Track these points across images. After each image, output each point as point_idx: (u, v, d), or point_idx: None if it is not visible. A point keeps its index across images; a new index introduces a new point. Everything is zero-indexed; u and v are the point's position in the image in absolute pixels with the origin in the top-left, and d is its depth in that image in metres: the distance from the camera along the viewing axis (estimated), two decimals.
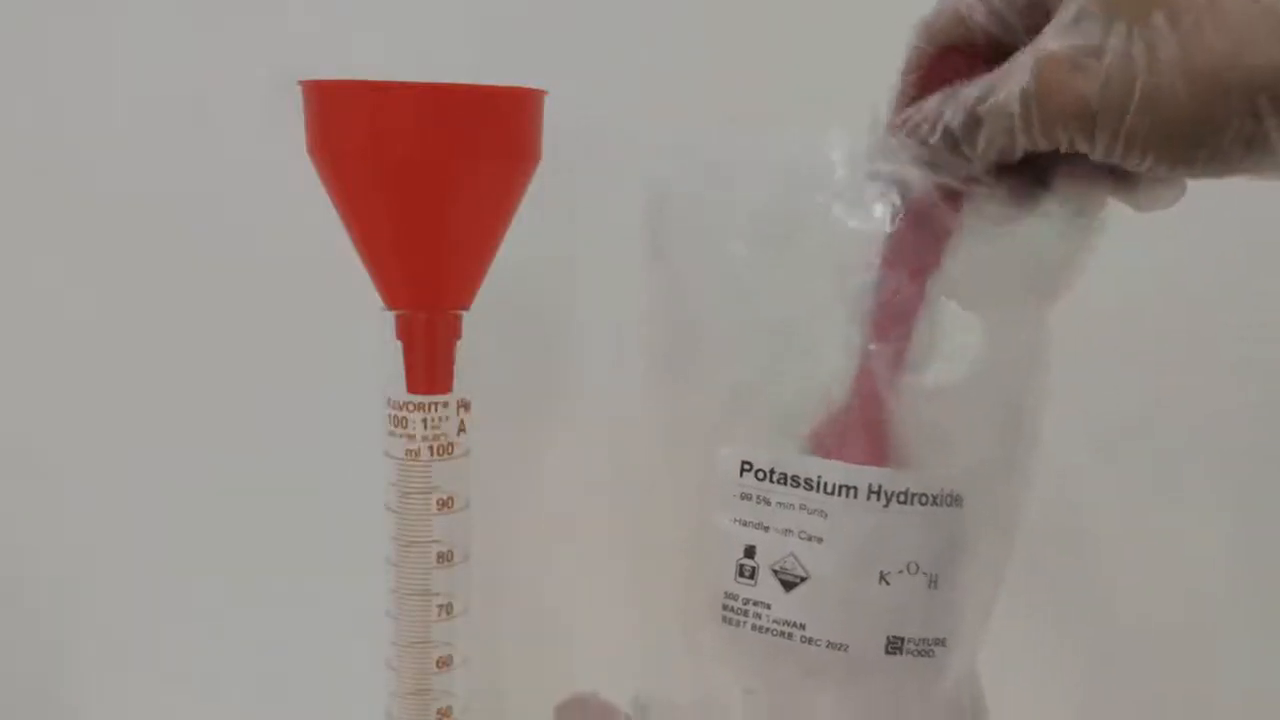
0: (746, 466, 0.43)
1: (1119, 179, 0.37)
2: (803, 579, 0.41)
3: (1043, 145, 0.35)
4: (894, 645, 0.41)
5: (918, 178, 0.39)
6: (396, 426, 0.48)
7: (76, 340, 0.62)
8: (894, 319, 0.40)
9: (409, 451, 0.48)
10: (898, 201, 0.40)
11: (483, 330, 0.48)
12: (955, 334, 0.41)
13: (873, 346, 0.40)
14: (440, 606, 0.49)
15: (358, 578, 0.51)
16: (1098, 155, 0.34)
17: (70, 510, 0.63)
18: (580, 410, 0.61)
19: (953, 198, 0.39)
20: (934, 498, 0.41)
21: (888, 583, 0.41)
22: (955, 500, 0.41)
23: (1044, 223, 0.39)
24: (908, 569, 0.41)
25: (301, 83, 0.45)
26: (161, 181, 0.60)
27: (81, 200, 0.61)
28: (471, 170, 0.45)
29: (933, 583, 0.41)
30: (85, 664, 0.65)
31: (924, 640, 0.41)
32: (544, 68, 0.48)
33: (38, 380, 0.63)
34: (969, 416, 0.41)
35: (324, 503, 0.62)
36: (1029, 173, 0.38)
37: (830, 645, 0.41)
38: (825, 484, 0.41)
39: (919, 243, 0.40)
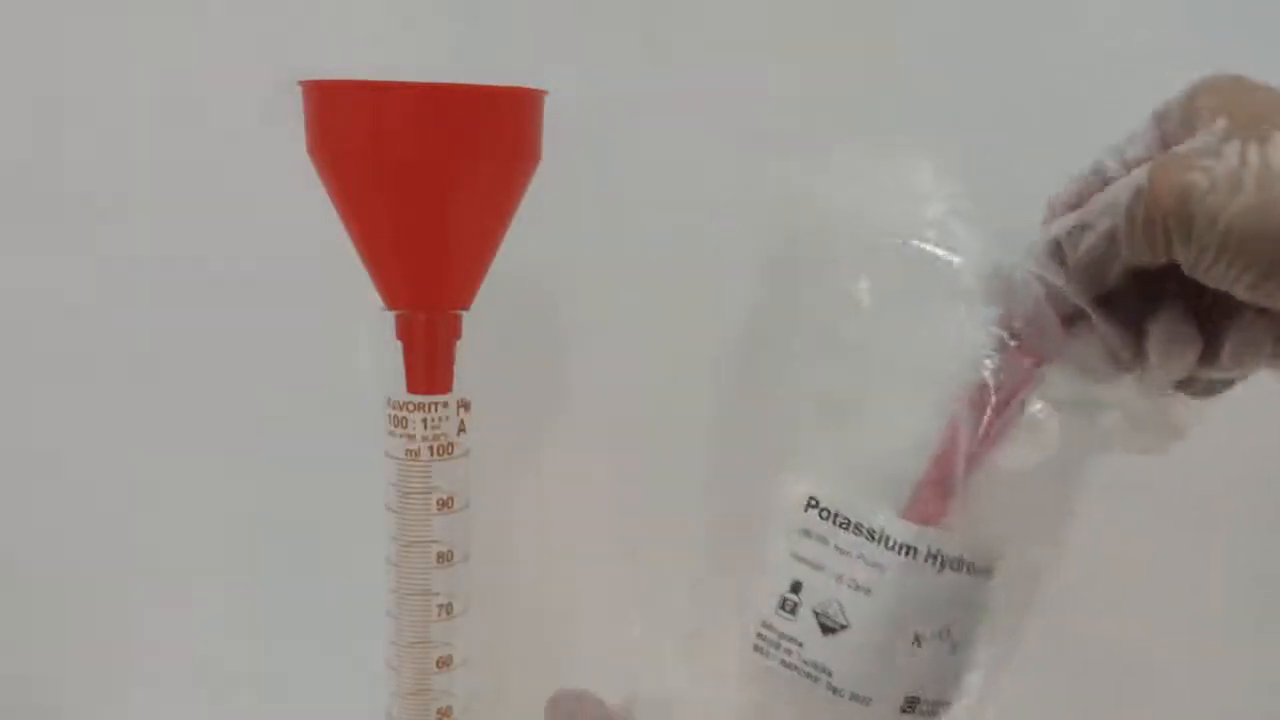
0: (812, 503, 0.42)
1: (1207, 343, 0.37)
2: (843, 627, 0.41)
3: (1140, 250, 0.35)
4: (909, 704, 0.42)
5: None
6: (396, 426, 0.48)
7: (74, 340, 0.62)
8: (998, 395, 0.41)
9: (409, 451, 0.48)
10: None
11: (483, 330, 0.48)
12: (1033, 419, 0.41)
13: (965, 415, 0.41)
14: (440, 606, 0.49)
15: (358, 578, 0.51)
16: (1189, 261, 0.34)
17: (69, 510, 0.63)
18: (580, 410, 0.61)
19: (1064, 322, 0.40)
20: (976, 568, 0.42)
21: (919, 644, 0.41)
22: (988, 573, 0.42)
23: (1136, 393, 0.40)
24: (940, 634, 0.41)
25: (301, 83, 0.45)
26: (161, 181, 0.60)
27: (81, 200, 0.61)
28: (471, 170, 0.45)
29: (954, 649, 0.42)
30: (84, 664, 0.65)
31: (934, 703, 0.42)
32: (544, 68, 0.49)
33: (36, 380, 0.63)
34: (1028, 499, 0.42)
35: (324, 503, 0.62)
36: (1122, 330, 0.39)
37: (854, 697, 0.41)
38: (889, 539, 0.41)
39: (1043, 333, 0.40)
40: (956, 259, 0.41)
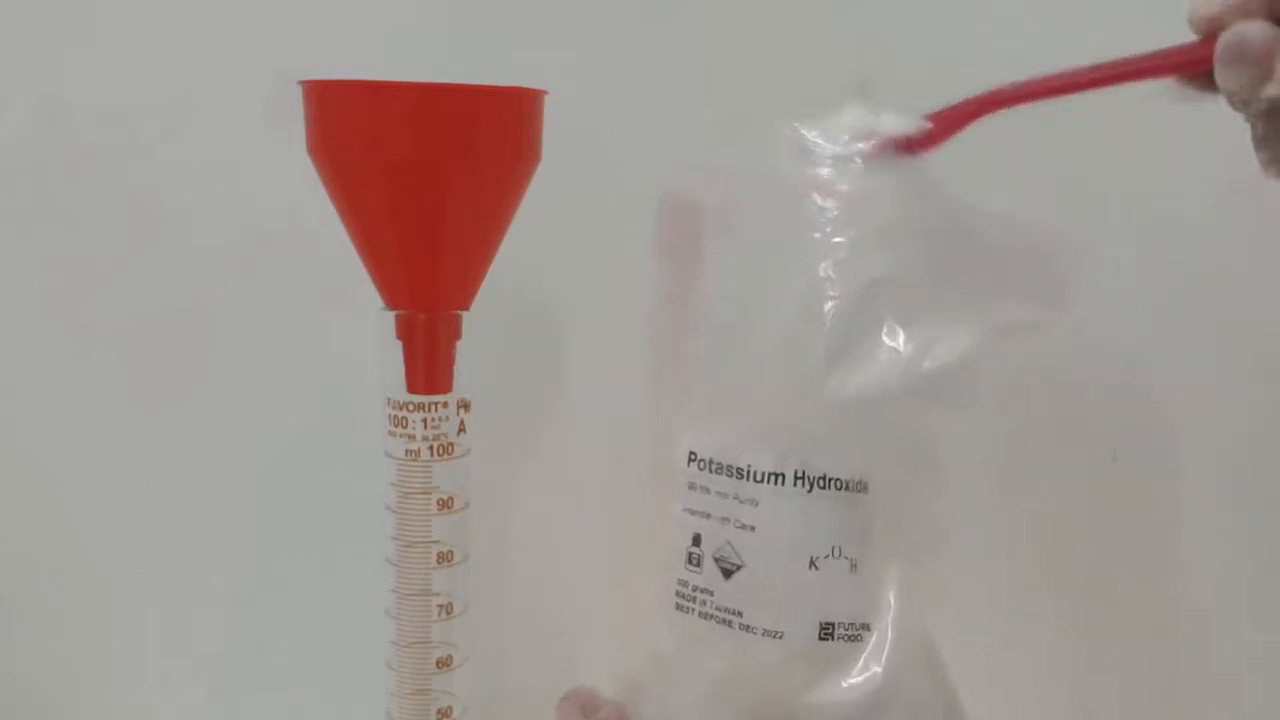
0: (692, 456, 0.45)
1: None
2: (739, 567, 0.44)
3: None
4: (826, 631, 0.43)
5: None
6: (396, 426, 0.48)
7: (74, 340, 0.62)
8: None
9: (409, 451, 0.48)
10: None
11: (483, 330, 0.48)
12: (890, 346, 0.42)
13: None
14: (440, 606, 0.49)
15: (358, 578, 0.51)
16: None
17: (68, 511, 0.63)
18: (580, 410, 0.61)
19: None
20: (848, 484, 0.43)
21: (816, 568, 0.43)
22: (863, 487, 0.43)
23: None
24: (832, 553, 0.43)
25: (301, 83, 0.45)
26: (161, 181, 0.60)
27: (81, 200, 0.61)
28: (471, 170, 0.45)
29: (854, 567, 0.43)
30: (84, 664, 0.65)
31: (851, 625, 0.43)
32: (545, 68, 0.49)
33: (35, 381, 0.63)
34: (887, 423, 0.43)
35: (324, 503, 0.62)
36: None
37: (766, 633, 0.43)
38: (755, 472, 0.43)
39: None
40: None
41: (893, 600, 0.44)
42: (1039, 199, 0.50)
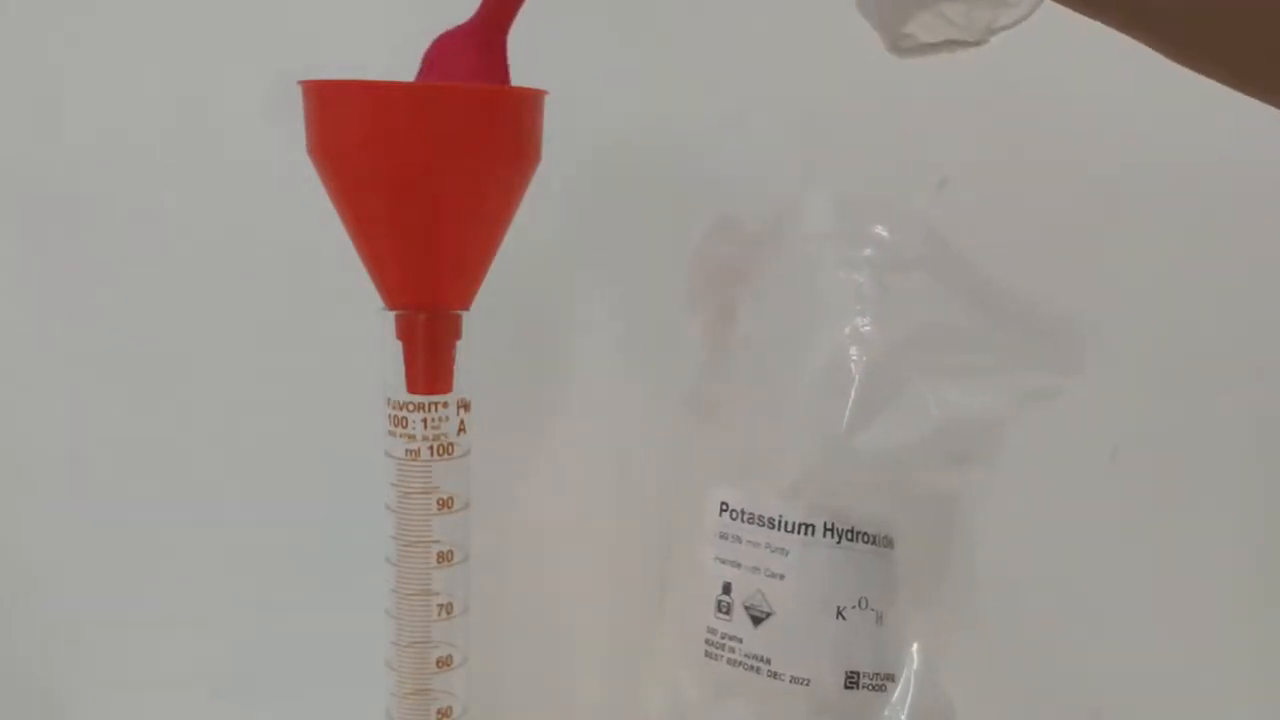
0: (724, 506, 0.46)
1: None
2: (768, 615, 0.45)
3: None
4: (851, 680, 0.44)
5: None
6: (396, 426, 0.48)
7: (74, 341, 0.62)
8: None
9: (409, 451, 0.48)
10: None
11: (483, 330, 0.48)
12: (916, 394, 0.44)
13: None
14: (440, 606, 0.49)
15: (358, 578, 0.51)
16: None
17: (66, 511, 0.63)
18: (580, 410, 0.61)
19: None
20: (876, 538, 0.44)
21: (844, 618, 0.44)
22: (890, 542, 0.44)
23: None
24: (859, 604, 0.44)
25: (301, 83, 0.45)
26: (161, 182, 0.60)
27: (80, 201, 0.61)
28: (471, 170, 0.45)
29: (880, 619, 0.44)
30: (82, 664, 0.65)
31: (876, 675, 0.45)
32: (545, 68, 0.49)
33: (35, 381, 0.63)
34: (913, 473, 0.45)
35: (324, 503, 0.62)
36: None
37: (794, 680, 0.44)
38: (786, 523, 0.44)
39: None
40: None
41: (915, 654, 0.45)
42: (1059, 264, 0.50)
